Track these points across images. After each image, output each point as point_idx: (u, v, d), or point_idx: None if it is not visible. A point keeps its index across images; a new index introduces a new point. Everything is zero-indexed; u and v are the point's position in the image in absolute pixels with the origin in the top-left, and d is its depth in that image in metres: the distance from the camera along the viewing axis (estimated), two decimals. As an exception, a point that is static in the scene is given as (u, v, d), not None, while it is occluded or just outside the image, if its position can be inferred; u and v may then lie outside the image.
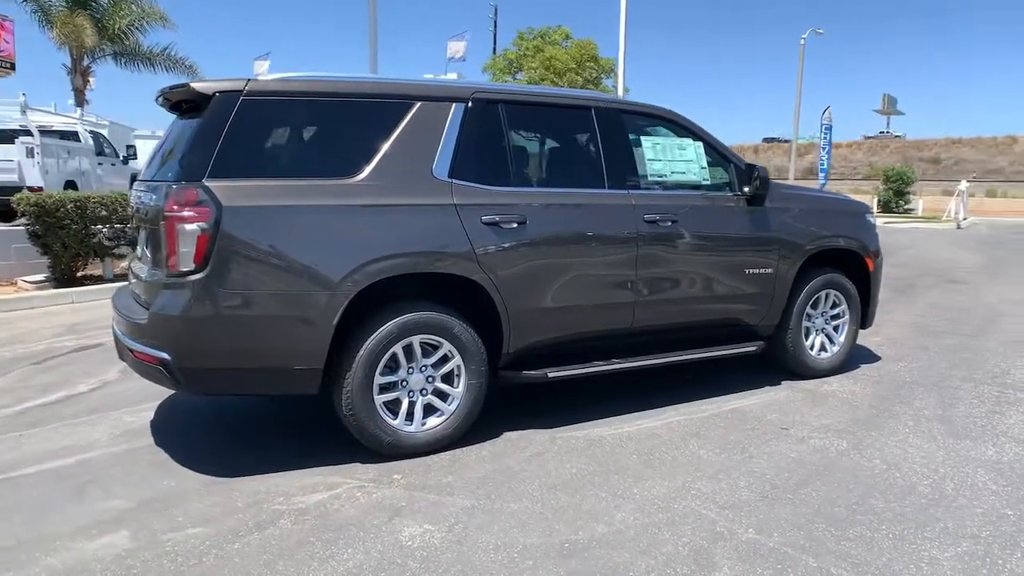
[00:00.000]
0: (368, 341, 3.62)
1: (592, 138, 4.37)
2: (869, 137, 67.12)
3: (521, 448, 3.95)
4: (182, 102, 3.85)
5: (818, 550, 2.88)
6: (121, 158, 17.32)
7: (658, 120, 4.73)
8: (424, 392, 3.86)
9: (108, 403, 4.73)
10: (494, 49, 44.23)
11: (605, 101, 4.52)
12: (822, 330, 5.32)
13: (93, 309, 7.97)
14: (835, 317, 5.37)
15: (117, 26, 20.90)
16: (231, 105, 3.45)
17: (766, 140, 71.00)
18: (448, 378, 3.91)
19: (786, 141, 58.33)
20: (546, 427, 4.24)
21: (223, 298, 3.36)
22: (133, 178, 4.49)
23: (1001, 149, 66.57)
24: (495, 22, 51.18)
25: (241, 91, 3.49)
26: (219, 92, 3.47)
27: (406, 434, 3.78)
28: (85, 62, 21.58)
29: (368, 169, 3.68)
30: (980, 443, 4.02)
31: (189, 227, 3.31)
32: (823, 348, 5.32)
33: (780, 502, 3.30)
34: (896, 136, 66.55)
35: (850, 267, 5.36)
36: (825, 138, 28.83)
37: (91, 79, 22.71)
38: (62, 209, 8.44)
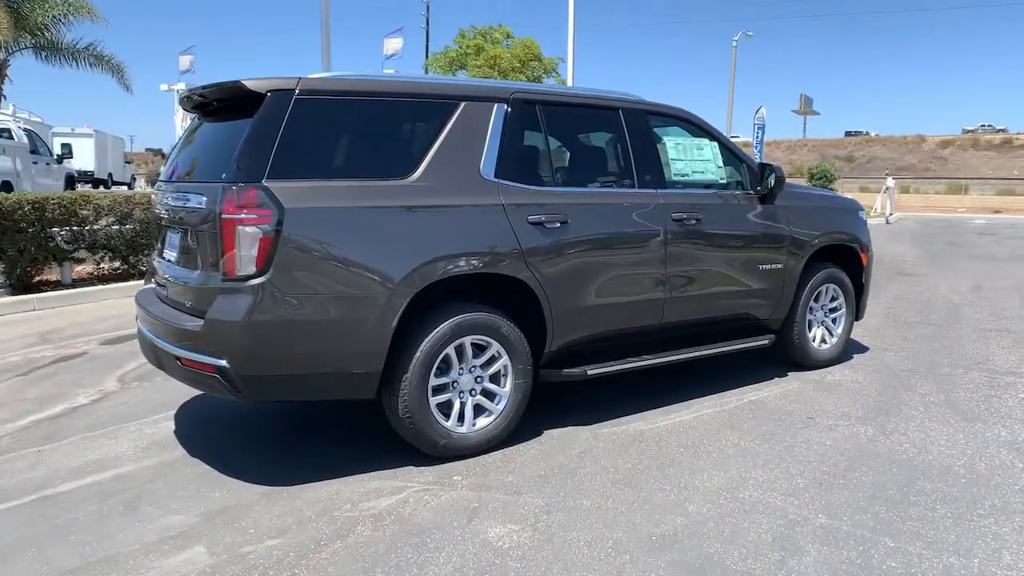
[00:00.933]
0: (424, 343, 3.59)
1: (621, 138, 4.44)
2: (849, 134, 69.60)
3: (567, 445, 3.99)
4: (217, 101, 3.73)
5: (889, 531, 3.03)
6: (55, 157, 16.41)
7: (676, 120, 4.85)
8: (473, 392, 3.86)
9: (118, 414, 4.52)
10: (426, 47, 43.93)
11: (630, 101, 4.60)
12: (822, 323, 5.56)
13: (59, 316, 7.56)
14: (833, 310, 5.61)
15: (40, 19, 19.75)
16: (285, 104, 3.36)
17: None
18: (495, 378, 3.91)
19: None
20: (583, 424, 4.30)
21: (285, 302, 3.28)
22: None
23: (910, 147, 70.54)
24: (427, 19, 50.91)
25: (294, 89, 3.40)
26: (272, 90, 3.37)
27: (459, 435, 3.77)
28: (2, 55, 20.33)
29: (420, 170, 3.65)
30: (991, 425, 4.29)
31: (249, 230, 3.21)
32: (823, 340, 5.56)
33: (835, 488, 3.45)
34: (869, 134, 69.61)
35: (845, 261, 5.61)
36: (758, 137, 29.86)
37: (7, 74, 21.42)
38: (19, 212, 7.97)
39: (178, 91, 40.89)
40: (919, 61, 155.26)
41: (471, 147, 3.83)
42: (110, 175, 33.34)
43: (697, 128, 4.90)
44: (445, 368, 3.73)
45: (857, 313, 5.77)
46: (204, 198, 3.37)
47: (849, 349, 5.95)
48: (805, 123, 71.32)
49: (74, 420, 4.43)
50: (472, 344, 3.79)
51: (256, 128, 3.32)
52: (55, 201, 8.36)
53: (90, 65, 22.75)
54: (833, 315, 5.62)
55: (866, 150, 70.68)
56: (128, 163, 38.44)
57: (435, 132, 3.75)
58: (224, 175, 3.30)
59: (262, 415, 4.52)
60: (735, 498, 3.34)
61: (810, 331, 5.44)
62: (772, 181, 4.88)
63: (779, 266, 5.06)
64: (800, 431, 4.19)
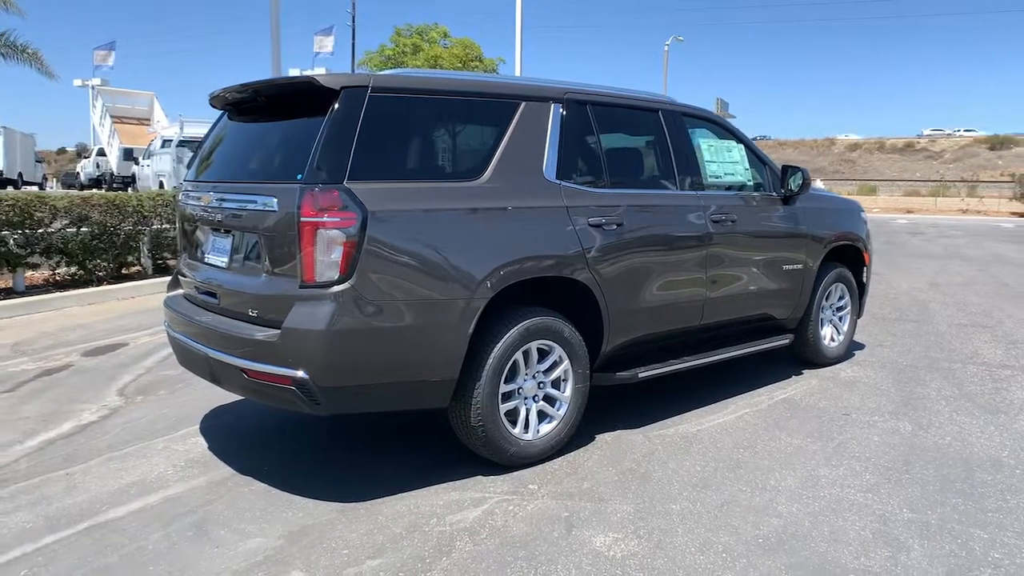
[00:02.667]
0: (496, 348, 3.49)
1: (662, 140, 4.45)
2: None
3: (626, 449, 3.96)
4: (273, 98, 3.53)
5: (976, 522, 3.13)
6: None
7: (705, 122, 4.89)
8: (536, 399, 3.78)
9: (137, 432, 4.21)
10: (353, 45, 43.05)
11: (668, 103, 4.61)
12: (830, 321, 5.73)
13: (22, 326, 7.02)
14: (840, 309, 5.79)
15: (-51, 5, 18.32)
16: (360, 102, 3.20)
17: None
18: (556, 383, 3.84)
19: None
20: (631, 428, 4.28)
21: (368, 309, 3.12)
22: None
23: (821, 151, 73.93)
24: (353, 17, 50.03)
25: (367, 87, 3.25)
26: (346, 87, 3.20)
27: (526, 443, 3.69)
28: None
29: (488, 171, 3.56)
30: (1013, 417, 4.50)
31: (332, 233, 3.04)
32: (831, 338, 5.73)
33: (904, 482, 3.54)
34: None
35: (851, 261, 5.80)
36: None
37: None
38: (-30, 214, 7.36)
39: (93, 87, 38.88)
40: (827, 71, 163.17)
41: (533, 148, 3.75)
42: (20, 175, 31.34)
43: (724, 130, 4.97)
44: (512, 375, 3.64)
45: (859, 311, 5.98)
46: (274, 200, 3.17)
47: (850, 346, 6.14)
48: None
49: (90, 439, 4.11)
50: (537, 349, 3.72)
51: (334, 126, 3.14)
52: (9, 202, 7.76)
53: (3, 56, 21.32)
54: (840, 313, 5.79)
55: (779, 153, 73.54)
56: (39, 162, 36.22)
57: (500, 132, 3.66)
58: (299, 176, 3.12)
59: (296, 428, 4.31)
60: (817, 496, 3.38)
61: (821, 329, 5.59)
62: (798, 183, 4.99)
63: (800, 266, 5.18)
64: (843, 428, 4.29)
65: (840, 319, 5.80)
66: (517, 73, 19.80)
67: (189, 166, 4.20)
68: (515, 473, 3.63)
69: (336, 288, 3.06)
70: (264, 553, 2.88)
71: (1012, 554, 2.87)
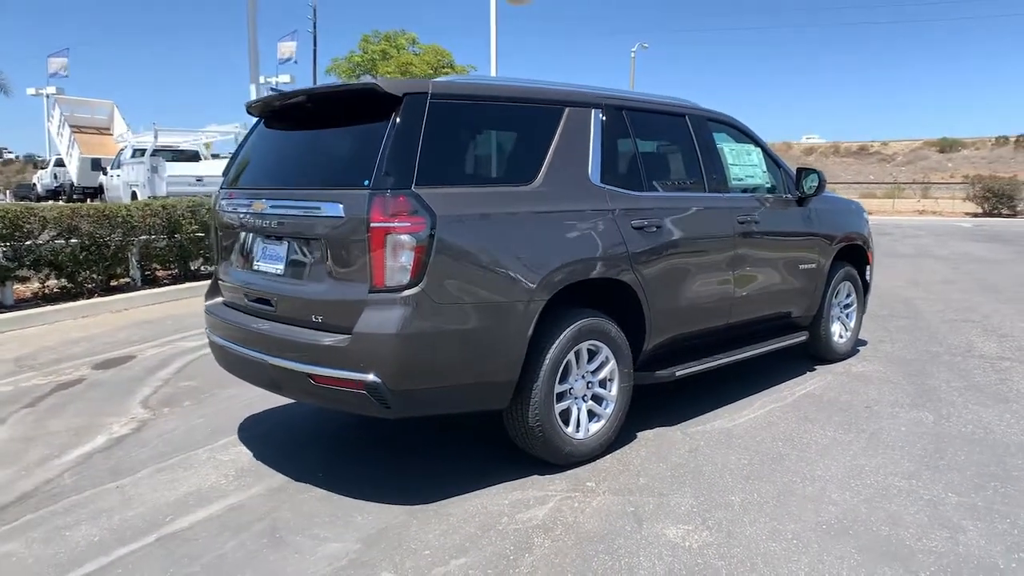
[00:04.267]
0: (552, 349, 3.56)
1: (690, 144, 4.58)
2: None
3: (670, 445, 4.06)
4: (329, 104, 3.55)
5: (1020, 503, 3.29)
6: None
7: (725, 126, 5.04)
8: (585, 398, 3.85)
9: (175, 443, 4.17)
10: (314, 52, 42.64)
11: (693, 107, 4.75)
12: (838, 318, 5.92)
13: (18, 341, 6.84)
14: (847, 306, 5.99)
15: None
16: (422, 107, 3.25)
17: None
18: (603, 383, 3.93)
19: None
20: (667, 425, 4.38)
21: (437, 313, 3.16)
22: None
23: (779, 153, 75.50)
24: (314, 23, 49.62)
25: (427, 93, 3.30)
26: (408, 93, 3.25)
27: (579, 442, 3.76)
28: None
29: (540, 175, 3.63)
30: (1024, 404, 4.73)
31: (403, 238, 3.08)
32: (840, 335, 5.92)
33: (942, 469, 3.70)
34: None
35: (856, 260, 6.01)
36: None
37: None
38: (-40, 226, 7.15)
39: (48, 95, 37.76)
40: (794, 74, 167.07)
41: (579, 153, 3.84)
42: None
43: (742, 133, 5.12)
44: (564, 375, 3.71)
45: (863, 308, 6.19)
46: (340, 205, 3.19)
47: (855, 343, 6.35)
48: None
49: (129, 452, 4.05)
50: (587, 350, 3.79)
51: (400, 132, 3.18)
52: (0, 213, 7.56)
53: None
54: (847, 311, 5.99)
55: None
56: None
57: (548, 138, 3.74)
58: (366, 182, 3.15)
59: (330, 435, 4.31)
60: (865, 484, 3.52)
61: (832, 326, 5.78)
62: (814, 185, 5.16)
63: (814, 265, 5.36)
64: (869, 420, 4.46)
65: (847, 316, 6.00)
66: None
67: (225, 173, 4.19)
68: (569, 472, 3.70)
69: (407, 292, 3.10)
70: (347, 557, 2.90)
71: None
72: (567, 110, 3.85)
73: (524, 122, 3.75)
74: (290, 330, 3.39)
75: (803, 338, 5.37)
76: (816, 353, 5.75)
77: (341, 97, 3.52)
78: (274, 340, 3.40)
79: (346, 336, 3.16)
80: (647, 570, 2.78)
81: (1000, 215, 25.91)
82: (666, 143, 4.66)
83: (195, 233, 9.74)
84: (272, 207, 3.51)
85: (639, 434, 4.22)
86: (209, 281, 4.28)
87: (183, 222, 9.56)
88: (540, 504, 3.35)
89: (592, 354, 3.85)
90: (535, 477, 3.64)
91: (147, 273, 9.56)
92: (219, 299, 4.11)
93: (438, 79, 3.44)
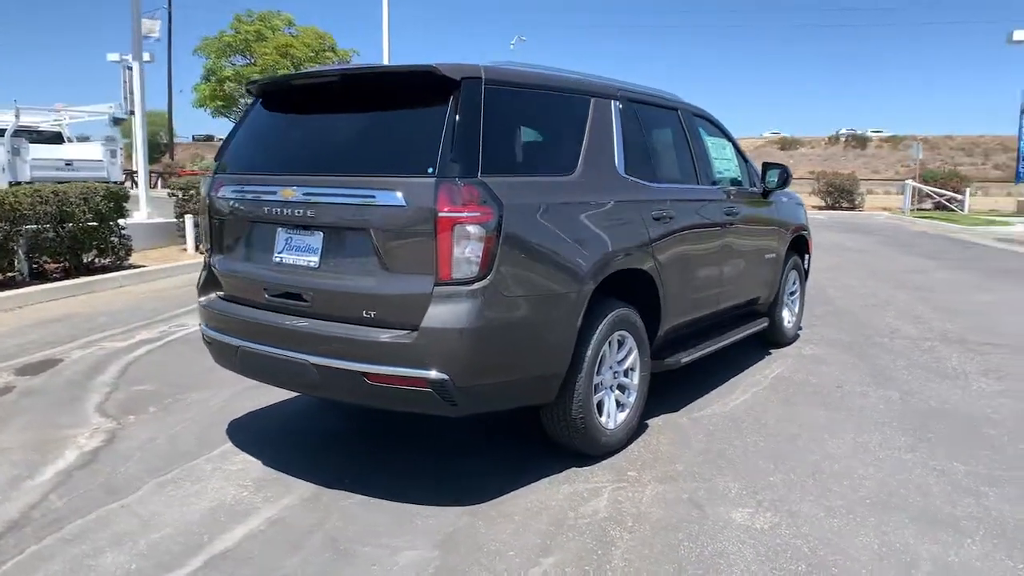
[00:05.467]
0: (594, 340, 3.55)
1: (684, 137, 4.69)
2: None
3: (684, 431, 4.16)
4: (369, 86, 3.34)
5: (1015, 465, 3.65)
6: None
7: (705, 121, 5.20)
8: (612, 388, 3.87)
9: (163, 454, 3.79)
10: (169, 29, 39.66)
11: (682, 102, 4.86)
12: (787, 304, 6.30)
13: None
14: (792, 293, 6.38)
15: None
16: (479, 92, 3.13)
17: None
18: (626, 372, 3.96)
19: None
20: (669, 412, 4.47)
21: (505, 305, 3.07)
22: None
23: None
24: (169, 2, 46.33)
25: (482, 78, 3.17)
26: (466, 77, 3.11)
27: (611, 431, 3.77)
28: None
29: (579, 165, 3.60)
30: (967, 380, 5.23)
31: (472, 229, 2.94)
32: (788, 320, 6.30)
33: (933, 441, 4.03)
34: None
35: (799, 249, 6.40)
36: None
37: None
38: None
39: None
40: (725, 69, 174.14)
41: (607, 143, 3.84)
42: None
43: (717, 128, 5.31)
44: (600, 365, 3.70)
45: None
46: (398, 194, 3.00)
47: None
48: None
49: (115, 467, 3.64)
50: (616, 339, 3.80)
51: (463, 118, 3.04)
52: None
53: None
54: (792, 297, 6.39)
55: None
56: None
57: (582, 127, 3.71)
58: (431, 169, 2.98)
59: (327, 435, 4.09)
60: (878, 458, 3.77)
61: (783, 312, 6.14)
62: (775, 179, 5.44)
63: (775, 255, 5.67)
64: (844, 399, 4.77)
65: (792, 302, 6.39)
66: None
67: (219, 157, 3.82)
68: (604, 462, 3.70)
69: (477, 285, 2.97)
70: (432, 565, 2.76)
71: (1064, 491, 3.41)
72: (593, 100, 3.84)
73: (562, 111, 3.69)
74: (336, 327, 3.15)
75: (765, 324, 5.66)
76: (771, 338, 6.08)
77: (387, 79, 3.31)
78: (317, 338, 3.15)
79: (408, 332, 2.98)
80: (737, 554, 2.84)
81: (842, 208, 28.39)
82: (667, 136, 4.75)
83: (88, 222, 8.83)
84: (306, 195, 3.24)
85: (649, 422, 4.29)
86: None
87: (76, 210, 8.62)
88: (595, 496, 3.33)
89: (620, 344, 3.86)
90: (576, 470, 3.61)
91: (35, 267, 8.56)
92: (214, 294, 3.75)
93: (487, 65, 3.30)
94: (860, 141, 75.84)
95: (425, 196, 2.95)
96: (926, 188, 26.71)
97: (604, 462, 3.71)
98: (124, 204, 9.47)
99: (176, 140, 50.84)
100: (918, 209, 25.54)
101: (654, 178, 4.19)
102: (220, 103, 28.47)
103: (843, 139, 77.06)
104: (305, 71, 3.45)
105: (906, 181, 27.11)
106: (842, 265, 11.58)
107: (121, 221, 9.45)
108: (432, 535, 2.97)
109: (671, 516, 3.14)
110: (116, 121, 20.86)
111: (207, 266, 3.83)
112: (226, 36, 27.23)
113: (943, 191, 26.14)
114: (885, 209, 27.84)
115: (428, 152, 3.01)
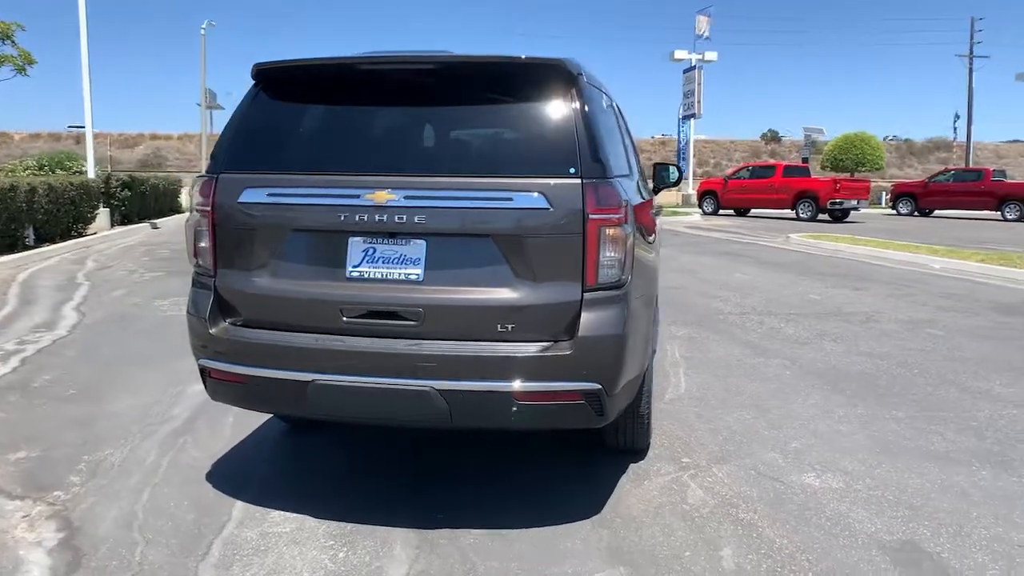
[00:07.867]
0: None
1: (622, 130, 4.83)
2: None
3: (684, 413, 4.46)
4: (471, 78, 3.07)
5: (943, 405, 4.55)
6: None
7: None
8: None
9: (167, 531, 3.01)
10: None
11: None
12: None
13: None
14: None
15: None
16: (589, 89, 3.08)
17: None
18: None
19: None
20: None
21: (638, 307, 3.05)
22: None
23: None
24: None
25: (581, 74, 3.07)
26: (580, 72, 3.01)
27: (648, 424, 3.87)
28: None
29: (633, 167, 3.76)
30: (817, 348, 6.27)
31: (615, 231, 2.85)
32: (656, 306, 6.94)
33: (861, 396, 4.79)
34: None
35: None
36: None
37: None
38: None
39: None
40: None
41: (624, 144, 3.95)
42: None
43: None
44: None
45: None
46: (541, 196, 2.78)
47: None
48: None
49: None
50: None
51: (587, 116, 2.94)
52: None
53: None
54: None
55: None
56: None
57: (617, 127, 3.82)
58: (572, 169, 2.81)
59: (334, 468, 3.64)
60: (853, 416, 4.40)
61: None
62: (674, 177, 5.94)
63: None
64: (753, 371, 5.40)
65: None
66: (84, 65, 16.84)
67: (225, 154, 3.09)
68: (650, 455, 3.77)
69: (621, 289, 2.89)
70: (629, 581, 2.63)
71: (997, 396, 4.36)
72: (614, 103, 3.92)
73: (612, 111, 3.71)
74: (462, 346, 2.80)
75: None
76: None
77: (491, 70, 2.99)
78: (440, 359, 2.76)
79: (561, 343, 2.80)
80: (847, 515, 3.13)
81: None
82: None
83: None
84: (407, 199, 2.81)
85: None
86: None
87: None
88: (681, 488, 3.41)
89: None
90: (635, 467, 3.64)
91: None
92: (226, 322, 3.05)
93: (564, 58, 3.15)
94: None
95: (571, 198, 2.78)
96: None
97: (650, 453, 3.79)
98: None
99: None
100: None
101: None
102: None
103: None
104: (369, 55, 2.97)
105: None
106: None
107: None
108: (594, 552, 2.84)
109: (749, 495, 3.32)
110: None
111: (209, 287, 3.08)
112: None
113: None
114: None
115: (562, 151, 2.85)
